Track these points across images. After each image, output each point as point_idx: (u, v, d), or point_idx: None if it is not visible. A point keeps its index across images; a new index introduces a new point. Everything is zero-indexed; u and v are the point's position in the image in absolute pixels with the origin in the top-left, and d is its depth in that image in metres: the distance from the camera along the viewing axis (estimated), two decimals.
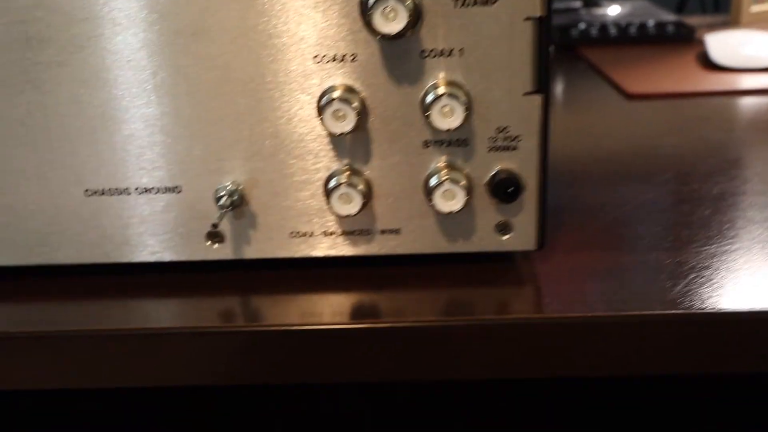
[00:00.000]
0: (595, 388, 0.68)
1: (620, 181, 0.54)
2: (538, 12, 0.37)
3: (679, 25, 0.97)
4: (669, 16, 1.01)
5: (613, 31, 0.97)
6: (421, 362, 0.39)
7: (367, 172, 0.41)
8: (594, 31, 0.97)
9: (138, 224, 0.42)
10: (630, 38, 0.97)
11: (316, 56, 0.38)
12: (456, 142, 0.40)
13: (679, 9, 1.40)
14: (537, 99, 0.39)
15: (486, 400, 0.65)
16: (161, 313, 0.41)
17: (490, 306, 0.40)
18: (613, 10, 1.06)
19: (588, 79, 0.83)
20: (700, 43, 0.89)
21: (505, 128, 0.40)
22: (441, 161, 0.40)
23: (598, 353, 0.38)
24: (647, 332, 0.38)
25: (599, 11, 1.06)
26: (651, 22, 0.98)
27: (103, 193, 0.41)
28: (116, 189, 0.41)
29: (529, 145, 0.40)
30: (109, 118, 0.40)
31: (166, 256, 0.43)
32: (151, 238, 0.42)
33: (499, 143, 0.40)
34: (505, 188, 0.40)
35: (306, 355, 0.39)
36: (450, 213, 0.40)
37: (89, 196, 0.41)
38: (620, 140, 0.63)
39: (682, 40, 0.96)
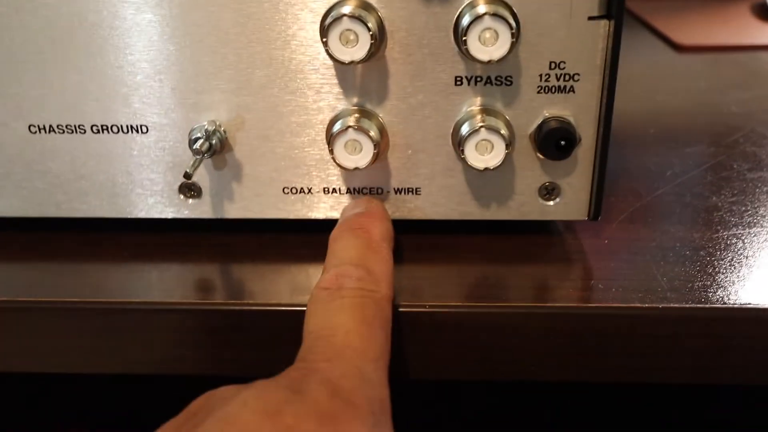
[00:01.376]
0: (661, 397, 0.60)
1: (682, 141, 0.45)
2: None
3: None
4: None
5: None
6: (438, 357, 0.31)
7: (381, 114, 0.32)
8: None
9: (95, 171, 0.34)
10: None
11: None
12: (496, 79, 0.31)
13: None
14: (605, 26, 0.30)
15: (512, 402, 0.58)
16: (122, 283, 0.33)
17: (530, 289, 0.32)
18: None
19: (631, 29, 0.74)
20: None
21: (560, 63, 0.31)
22: (476, 104, 0.32)
23: (665, 355, 0.30)
24: (735, 330, 0.29)
25: None
26: None
27: (51, 131, 0.33)
28: (67, 126, 0.33)
29: (590, 86, 0.31)
30: (58, 33, 0.31)
31: (130, 212, 0.35)
32: (111, 188, 0.34)
33: (552, 83, 0.31)
34: (555, 141, 0.32)
35: (296, 341, 0.31)
36: (485, 170, 0.31)
37: (35, 133, 0.33)
38: (675, 96, 0.55)
39: None
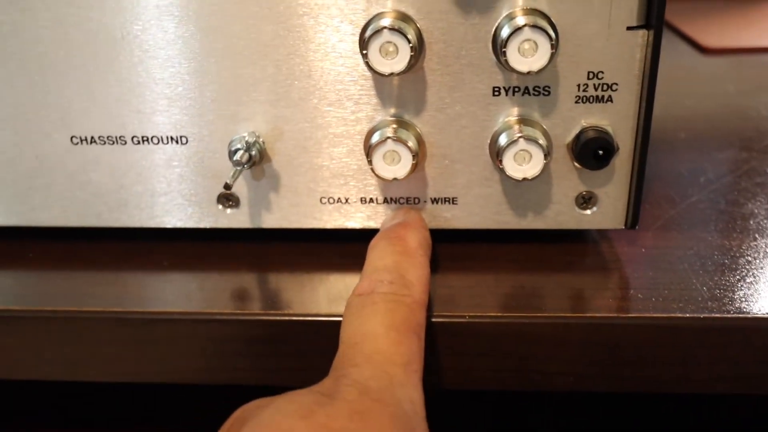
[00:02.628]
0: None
1: (713, 146, 0.45)
2: None
3: None
4: None
5: None
6: (475, 366, 0.32)
7: (420, 125, 0.32)
8: None
9: (135, 181, 0.34)
10: None
11: None
12: (534, 89, 0.31)
13: None
14: (643, 36, 0.30)
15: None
16: (161, 293, 0.33)
17: (568, 299, 0.32)
18: None
19: None
20: None
21: (598, 73, 0.31)
22: (513, 114, 0.32)
23: (707, 365, 0.30)
24: None
25: None
26: None
27: (93, 142, 0.34)
28: (109, 137, 0.33)
29: (628, 96, 0.31)
30: (101, 46, 0.32)
31: (169, 222, 0.35)
32: (150, 198, 0.34)
33: (590, 92, 0.31)
34: (593, 151, 0.32)
35: (334, 350, 0.32)
36: (523, 180, 0.32)
37: (77, 144, 0.34)
38: (703, 99, 0.54)
39: None
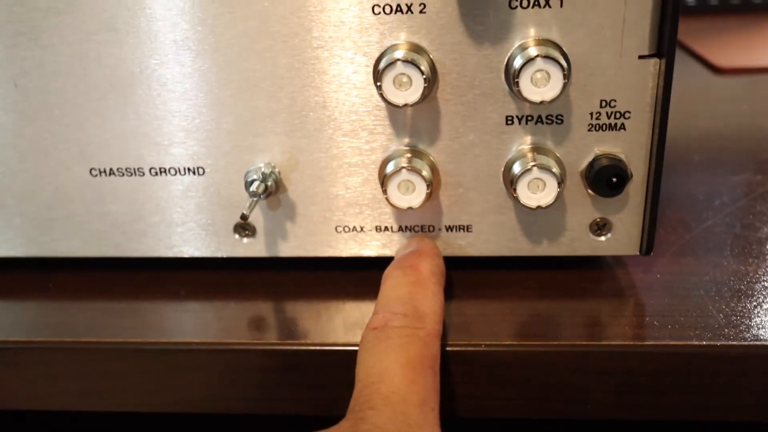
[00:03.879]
0: None
1: (728, 168, 0.45)
2: None
3: None
4: None
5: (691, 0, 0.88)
6: (492, 395, 0.32)
7: (434, 154, 0.33)
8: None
9: (153, 212, 0.35)
10: (710, 8, 0.87)
11: (375, 6, 0.30)
12: (547, 118, 0.32)
13: None
14: (655, 64, 0.31)
15: None
16: (178, 323, 0.34)
17: (581, 327, 0.32)
18: None
19: None
20: None
21: (610, 101, 0.31)
22: (526, 142, 0.32)
23: (724, 393, 0.30)
24: None
25: None
26: None
27: (111, 174, 0.34)
28: (127, 169, 0.34)
29: (640, 124, 0.32)
30: (120, 80, 0.32)
31: (186, 251, 0.35)
32: (168, 228, 0.35)
33: (602, 120, 0.32)
34: (606, 178, 0.32)
35: (351, 379, 0.32)
36: (537, 208, 0.32)
37: (95, 176, 0.34)
38: (717, 120, 0.54)
39: None
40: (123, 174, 0.34)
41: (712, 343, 0.29)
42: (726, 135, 0.52)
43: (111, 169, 0.34)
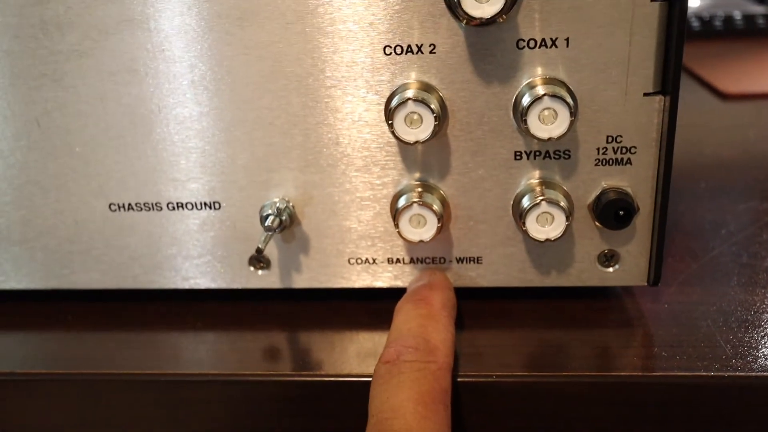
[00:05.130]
0: None
1: (734, 196, 0.46)
2: None
3: None
4: (757, 8, 0.92)
5: (695, 24, 0.89)
6: (502, 426, 0.32)
7: (444, 188, 0.33)
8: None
9: (170, 245, 0.35)
10: (715, 32, 0.88)
11: (386, 47, 0.31)
12: (555, 153, 0.32)
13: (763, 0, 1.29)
14: (660, 101, 0.31)
15: None
16: (194, 354, 0.34)
17: (590, 358, 0.32)
18: (693, 2, 0.97)
19: None
20: None
21: (617, 137, 0.32)
22: (535, 177, 0.33)
23: (731, 424, 0.30)
24: None
25: None
26: (738, 15, 0.88)
27: (130, 208, 0.35)
28: (145, 204, 0.35)
29: (646, 158, 0.32)
30: (139, 119, 0.33)
31: (202, 283, 0.36)
32: (184, 261, 0.36)
33: (609, 155, 0.32)
34: (614, 212, 0.32)
35: (365, 409, 0.32)
36: (546, 241, 0.32)
37: (114, 211, 0.35)
38: (724, 147, 0.55)
39: None
40: (141, 209, 0.35)
41: (720, 374, 0.30)
42: (732, 162, 0.52)
43: (129, 204, 0.35)
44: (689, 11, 0.91)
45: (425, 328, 0.30)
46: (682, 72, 0.76)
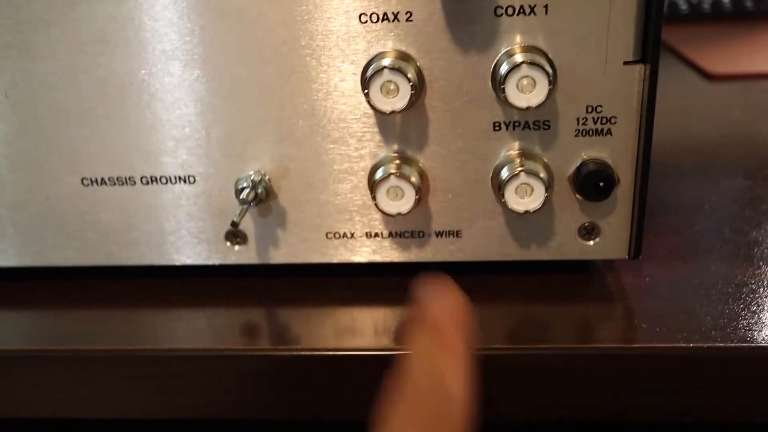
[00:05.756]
0: None
1: (718, 174, 0.45)
2: None
3: (759, 0, 0.87)
4: None
5: (683, 7, 0.88)
6: (482, 399, 0.32)
7: (422, 160, 0.33)
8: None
9: (144, 221, 0.35)
10: (703, 15, 0.88)
11: (362, 14, 0.31)
12: (534, 124, 0.32)
13: None
14: (640, 70, 0.31)
15: None
16: (170, 330, 0.34)
17: (572, 330, 0.32)
18: None
19: (661, 59, 0.74)
20: None
21: (596, 107, 0.32)
22: (514, 148, 0.32)
23: (711, 395, 0.30)
24: None
25: None
26: None
27: (103, 183, 0.34)
28: (118, 178, 0.34)
29: (627, 129, 0.32)
30: (110, 91, 0.32)
31: (178, 259, 0.36)
32: (160, 237, 0.35)
33: (589, 126, 0.32)
34: (594, 183, 0.32)
35: (343, 385, 0.32)
36: (525, 213, 0.32)
37: (87, 186, 0.34)
38: (708, 126, 0.55)
39: (762, 17, 0.86)
40: (114, 183, 0.34)
41: (699, 345, 0.29)
42: (717, 141, 0.52)
43: (102, 179, 0.34)
44: None
45: (442, 370, 0.26)
46: (670, 53, 0.75)
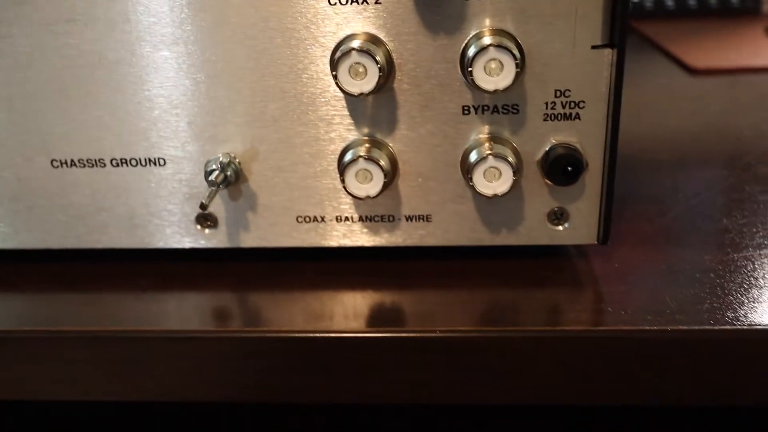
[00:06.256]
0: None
1: (694, 164, 0.46)
2: None
3: None
4: None
5: (669, 3, 0.89)
6: (451, 382, 0.32)
7: (392, 144, 0.33)
8: (648, 3, 0.88)
9: (114, 203, 0.35)
10: (689, 11, 0.88)
11: None
12: (503, 108, 0.32)
13: None
14: (608, 54, 0.31)
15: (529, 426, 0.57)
16: (139, 313, 0.34)
17: (539, 314, 0.32)
18: None
19: (644, 54, 0.74)
20: None
21: (565, 91, 0.32)
22: (483, 132, 0.33)
23: (676, 377, 0.30)
24: (750, 352, 0.29)
25: None
26: None
27: (73, 165, 0.34)
28: (88, 160, 0.34)
29: (595, 113, 0.32)
30: (80, 71, 0.32)
31: (149, 242, 0.35)
32: (129, 220, 0.35)
33: (557, 110, 0.32)
34: (562, 167, 0.32)
35: (312, 368, 0.32)
36: (494, 196, 0.32)
37: (57, 167, 0.34)
38: (688, 119, 0.55)
39: (747, 14, 0.87)
40: (84, 165, 0.34)
41: (663, 327, 0.30)
42: (695, 133, 0.52)
43: (72, 161, 0.34)
44: None
45: None
46: (654, 48, 0.76)
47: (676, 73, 0.67)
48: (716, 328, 0.29)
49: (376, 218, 0.34)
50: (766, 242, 0.36)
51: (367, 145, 0.33)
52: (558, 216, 0.34)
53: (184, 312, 0.33)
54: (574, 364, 0.31)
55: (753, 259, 0.34)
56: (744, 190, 0.41)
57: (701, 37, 0.79)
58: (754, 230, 0.37)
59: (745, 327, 0.29)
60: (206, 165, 0.33)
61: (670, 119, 0.55)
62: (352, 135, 0.33)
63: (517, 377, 0.31)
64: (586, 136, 0.32)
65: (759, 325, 0.29)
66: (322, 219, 0.35)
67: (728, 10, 0.87)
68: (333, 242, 0.35)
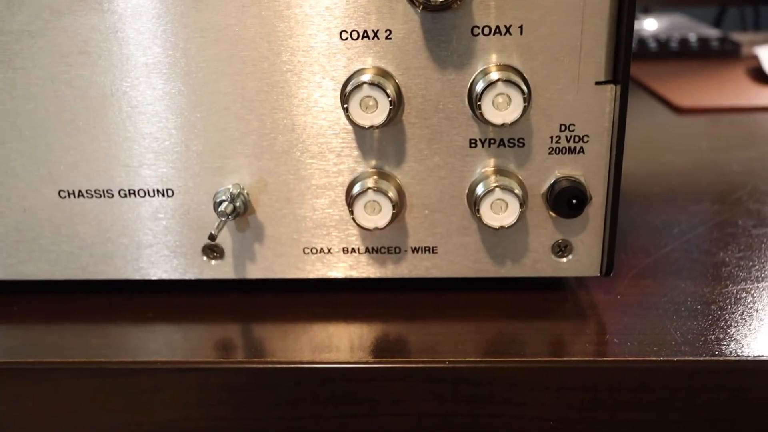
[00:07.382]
0: None
1: (687, 199, 0.46)
2: None
3: (723, 40, 0.91)
4: (711, 31, 0.95)
5: (652, 45, 0.91)
6: (457, 412, 0.32)
7: (399, 176, 0.34)
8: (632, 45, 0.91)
9: (121, 234, 0.35)
10: (671, 52, 0.91)
11: (343, 32, 0.31)
12: (509, 141, 0.33)
13: (717, 23, 1.33)
14: (611, 90, 0.32)
15: None
16: (146, 343, 0.33)
17: (543, 345, 0.32)
18: (650, 24, 1.01)
19: (632, 93, 0.76)
20: (748, 59, 0.83)
21: (569, 125, 0.32)
22: (490, 165, 0.33)
23: (680, 408, 0.31)
24: (750, 382, 0.30)
25: (635, 25, 1.00)
26: (693, 37, 0.91)
27: (80, 195, 0.34)
28: (96, 191, 0.34)
29: (599, 147, 0.33)
30: (91, 102, 0.33)
31: (154, 274, 0.35)
32: (136, 251, 0.35)
33: (562, 144, 0.33)
34: (567, 200, 0.33)
35: (319, 398, 0.32)
36: (500, 228, 0.33)
37: (64, 198, 0.34)
38: (677, 155, 0.56)
39: (727, 55, 0.90)
40: (92, 196, 0.34)
41: (668, 358, 0.30)
42: (686, 169, 0.53)
43: (80, 191, 0.34)
44: (648, 33, 0.94)
45: None
46: (640, 88, 0.77)
47: (662, 112, 0.69)
48: (722, 359, 0.30)
49: (383, 250, 0.35)
50: (763, 275, 0.36)
51: (375, 177, 0.33)
52: (562, 248, 0.34)
53: (191, 343, 0.33)
54: (580, 395, 0.31)
55: (752, 291, 0.35)
56: (737, 224, 0.42)
57: (684, 77, 0.81)
58: (750, 263, 0.38)
59: (750, 358, 0.30)
60: (215, 196, 0.33)
61: (661, 155, 0.56)
62: (361, 167, 0.33)
63: (523, 408, 0.31)
64: (590, 170, 0.33)
65: (763, 356, 0.30)
66: (329, 250, 0.35)
67: (709, 52, 0.90)
68: (340, 273, 0.35)
